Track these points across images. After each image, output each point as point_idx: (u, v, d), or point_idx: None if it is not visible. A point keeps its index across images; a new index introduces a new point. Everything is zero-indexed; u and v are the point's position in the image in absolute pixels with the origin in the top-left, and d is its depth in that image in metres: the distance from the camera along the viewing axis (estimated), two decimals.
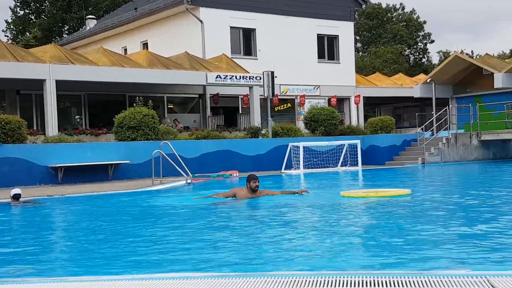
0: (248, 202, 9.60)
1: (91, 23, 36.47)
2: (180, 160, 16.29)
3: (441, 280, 3.65)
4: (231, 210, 9.17)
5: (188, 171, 15.92)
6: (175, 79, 22.87)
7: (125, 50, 30.92)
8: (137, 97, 20.28)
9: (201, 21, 26.46)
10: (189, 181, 15.44)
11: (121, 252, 5.89)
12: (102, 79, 21.17)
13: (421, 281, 3.65)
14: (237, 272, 4.34)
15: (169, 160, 15.91)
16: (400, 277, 3.76)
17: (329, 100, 29.94)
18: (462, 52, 49.07)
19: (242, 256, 5.42)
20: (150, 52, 24.32)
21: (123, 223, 8.32)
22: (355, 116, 31.45)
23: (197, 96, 26.60)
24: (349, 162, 20.87)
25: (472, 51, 63.65)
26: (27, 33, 48.62)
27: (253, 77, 24.12)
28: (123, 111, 19.58)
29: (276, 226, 7.21)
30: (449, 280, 3.64)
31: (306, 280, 3.76)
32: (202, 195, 10.96)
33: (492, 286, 3.48)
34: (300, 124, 26.37)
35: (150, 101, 20.34)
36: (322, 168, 20.32)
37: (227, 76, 23.54)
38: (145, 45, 29.71)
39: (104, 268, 5.09)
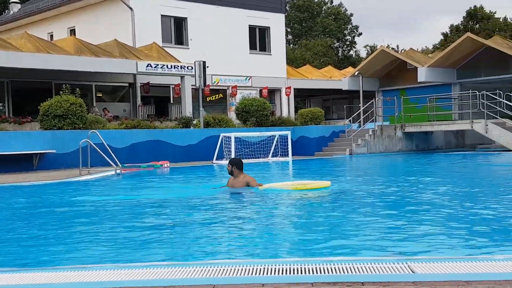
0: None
1: (15, 7, 34.91)
2: (109, 150, 15.98)
3: (365, 267, 3.80)
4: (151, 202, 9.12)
5: (117, 161, 15.64)
6: (104, 67, 22.34)
7: (51, 36, 29.86)
8: (64, 85, 19.68)
9: (131, 8, 25.94)
10: (118, 171, 15.18)
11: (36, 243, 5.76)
12: (27, 66, 20.39)
13: (345, 267, 3.79)
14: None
15: (98, 149, 15.56)
16: (326, 264, 3.89)
17: (260, 91, 30.19)
18: (388, 46, 50.65)
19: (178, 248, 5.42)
20: (77, 39, 23.61)
21: (47, 215, 8.10)
22: (286, 107, 31.87)
23: (127, 85, 26.11)
24: (279, 153, 21.16)
25: (397, 46, 65.90)
26: None
27: (185, 66, 23.93)
28: (49, 99, 18.96)
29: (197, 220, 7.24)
30: (374, 266, 3.80)
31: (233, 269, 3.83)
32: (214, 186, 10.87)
33: (413, 271, 3.66)
34: (232, 115, 26.46)
35: (78, 89, 19.80)
36: (253, 158, 20.50)
37: (158, 65, 23.23)
38: (73, 32, 28.80)
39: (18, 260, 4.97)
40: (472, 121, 22.43)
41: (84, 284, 3.61)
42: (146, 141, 19.66)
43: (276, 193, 9.18)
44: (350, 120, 24.81)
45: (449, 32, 56.55)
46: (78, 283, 3.64)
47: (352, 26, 61.88)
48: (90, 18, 27.95)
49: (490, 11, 56.18)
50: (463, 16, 56.69)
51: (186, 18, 27.83)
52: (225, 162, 19.39)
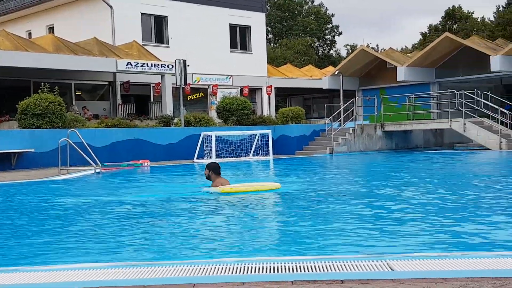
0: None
1: None
2: (89, 148, 15.85)
3: (345, 265, 3.84)
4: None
5: (97, 160, 15.52)
6: (83, 65, 22.16)
7: (30, 34, 29.54)
8: (42, 83, 19.48)
9: (110, 6, 25.76)
10: (98, 170, 15.07)
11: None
12: (5, 64, 20.15)
13: (325, 266, 3.83)
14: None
15: (77, 148, 15.43)
16: (305, 262, 3.92)
17: (241, 90, 30.19)
18: (368, 46, 50.98)
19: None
20: (56, 37, 23.39)
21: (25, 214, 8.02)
22: (266, 106, 31.92)
23: (107, 83, 25.93)
24: (260, 152, 21.19)
25: (377, 45, 66.42)
26: None
27: (165, 65, 23.84)
28: (27, 97, 18.76)
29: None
30: (353, 264, 3.84)
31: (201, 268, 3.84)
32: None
33: (391, 269, 3.71)
34: (213, 114, 26.43)
35: (57, 87, 19.62)
36: (234, 157, 20.51)
37: (138, 63, 23.10)
38: (51, 29, 28.51)
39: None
40: (451, 120, 22.70)
41: (62, 284, 3.58)
42: (126, 140, 19.55)
43: (226, 196, 8.93)
44: (330, 119, 24.93)
45: (428, 32, 57.08)
46: (56, 283, 3.62)
47: (333, 26, 62.19)
48: (69, 16, 27.69)
49: (468, 11, 56.88)
50: (442, 16, 57.28)
51: (167, 16, 27.73)
52: (206, 161, 19.37)
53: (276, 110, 31.55)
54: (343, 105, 25.55)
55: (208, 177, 9.66)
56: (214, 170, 9.61)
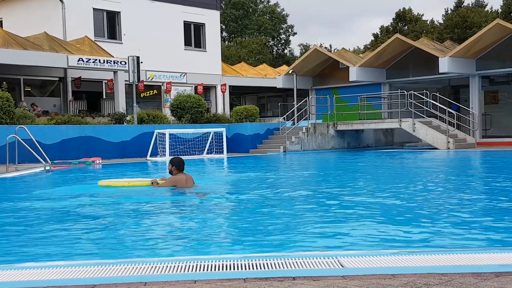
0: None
1: None
2: (38, 146, 15.46)
3: (296, 262, 3.88)
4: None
5: (46, 157, 15.16)
6: (32, 60, 21.59)
7: None
8: None
9: (61, 1, 25.18)
10: (47, 168, 14.73)
11: None
12: None
13: (277, 263, 3.86)
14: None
15: (26, 145, 15.03)
16: (257, 260, 3.94)
17: (195, 88, 30.05)
18: (321, 46, 51.55)
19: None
20: (4, 31, 22.70)
21: None
22: (221, 104, 31.88)
23: (57, 79, 25.34)
24: (214, 150, 21.16)
25: (330, 45, 67.24)
26: None
27: (118, 61, 23.48)
28: None
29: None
30: (304, 262, 3.89)
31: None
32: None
33: (342, 266, 3.77)
34: (167, 111, 26.20)
35: (5, 82, 19.09)
36: (188, 155, 20.38)
37: (90, 59, 22.68)
38: None
39: None
40: (401, 120, 23.20)
41: (6, 284, 3.50)
42: (77, 137, 19.17)
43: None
44: (284, 118, 25.10)
45: (379, 33, 58.11)
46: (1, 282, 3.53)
47: (287, 26, 62.60)
48: (18, 9, 26.91)
49: (418, 13, 58.22)
50: (393, 18, 58.40)
51: (120, 12, 27.30)
52: (160, 159, 19.21)
53: (231, 108, 31.55)
54: (296, 104, 25.76)
55: (170, 172, 9.61)
56: (177, 166, 9.53)
